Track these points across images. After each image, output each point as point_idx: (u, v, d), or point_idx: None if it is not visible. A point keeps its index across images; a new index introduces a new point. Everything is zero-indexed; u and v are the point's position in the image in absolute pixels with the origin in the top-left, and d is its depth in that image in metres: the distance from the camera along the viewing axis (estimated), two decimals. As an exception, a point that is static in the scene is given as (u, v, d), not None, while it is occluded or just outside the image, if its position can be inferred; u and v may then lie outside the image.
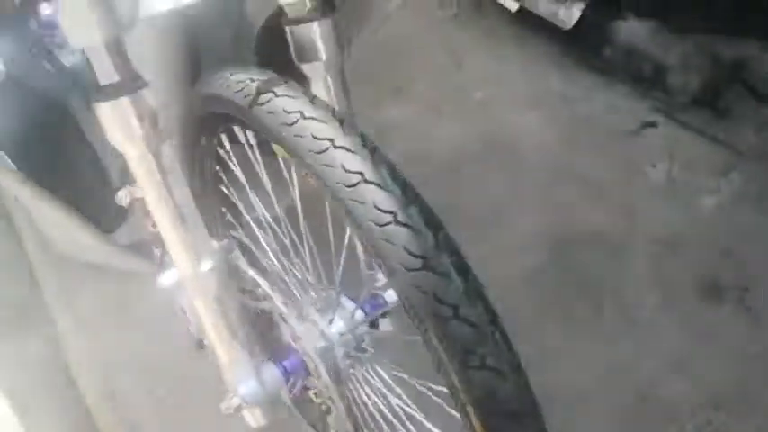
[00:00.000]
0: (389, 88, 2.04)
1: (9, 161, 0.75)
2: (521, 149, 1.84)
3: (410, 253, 0.57)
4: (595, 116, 1.95)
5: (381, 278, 0.96)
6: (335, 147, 0.61)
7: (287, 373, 0.87)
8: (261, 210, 0.87)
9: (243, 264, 0.85)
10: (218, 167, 0.92)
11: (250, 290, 0.88)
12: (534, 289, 1.50)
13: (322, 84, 0.81)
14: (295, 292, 0.90)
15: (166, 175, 0.73)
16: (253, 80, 0.68)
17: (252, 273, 0.83)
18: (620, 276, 1.53)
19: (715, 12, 2.04)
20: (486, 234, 1.62)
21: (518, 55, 2.16)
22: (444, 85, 2.06)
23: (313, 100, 0.65)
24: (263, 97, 0.66)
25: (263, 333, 0.92)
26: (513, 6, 2.29)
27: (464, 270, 0.59)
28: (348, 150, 0.61)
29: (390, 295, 0.95)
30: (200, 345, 0.94)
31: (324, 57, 0.79)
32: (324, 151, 0.61)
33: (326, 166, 0.60)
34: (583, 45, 2.15)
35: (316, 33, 0.77)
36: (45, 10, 0.65)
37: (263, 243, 0.91)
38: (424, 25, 2.29)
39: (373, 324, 0.95)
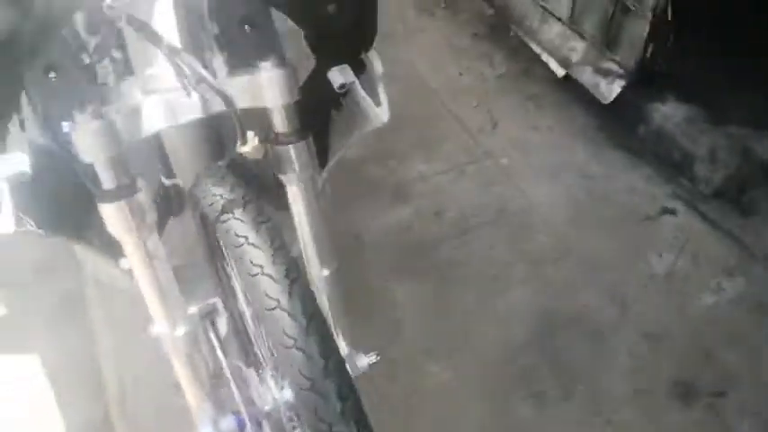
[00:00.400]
0: (421, 142, 2.16)
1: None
2: (531, 220, 1.93)
3: (302, 374, 0.71)
4: (614, 196, 2.01)
5: (341, 349, 1.09)
6: (263, 274, 0.74)
7: (241, 427, 1.02)
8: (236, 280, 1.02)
9: (214, 329, 1.00)
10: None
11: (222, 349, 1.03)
12: (511, 364, 1.59)
13: (296, 191, 0.95)
14: (260, 357, 1.05)
15: (152, 258, 0.88)
16: (222, 196, 0.83)
17: (215, 340, 0.98)
18: (597, 363, 1.60)
19: (752, 106, 2.06)
20: (480, 300, 1.73)
21: (553, 123, 2.24)
22: (474, 145, 2.16)
23: (259, 227, 0.79)
24: (224, 216, 0.80)
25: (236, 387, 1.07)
26: (560, 72, 2.37)
27: (345, 395, 0.72)
28: (273, 279, 0.74)
29: (344, 369, 1.08)
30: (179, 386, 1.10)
31: (297, 171, 0.93)
32: (255, 275, 0.75)
33: (254, 288, 0.74)
34: (617, 121, 2.21)
35: (291, 153, 0.91)
36: (65, 128, 0.81)
37: (239, 310, 1.06)
38: (469, 82, 2.40)
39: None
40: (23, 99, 0.85)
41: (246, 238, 0.78)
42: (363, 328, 1.63)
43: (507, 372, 1.58)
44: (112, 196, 0.82)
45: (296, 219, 0.98)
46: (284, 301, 0.73)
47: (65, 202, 0.95)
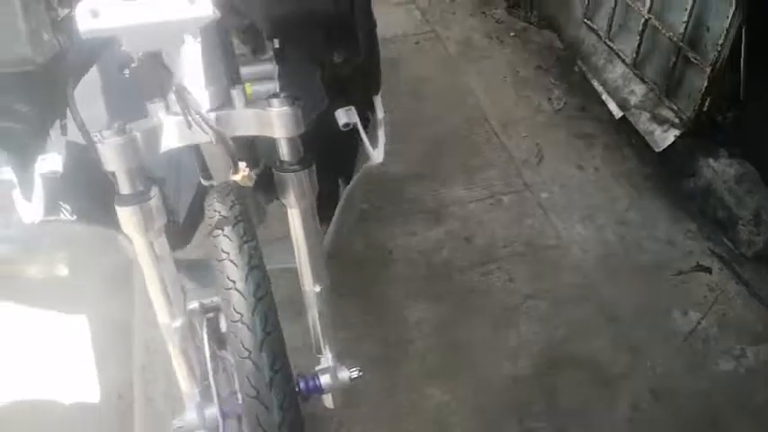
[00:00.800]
0: (465, 167, 2.21)
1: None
2: (559, 257, 1.95)
3: (250, 384, 0.80)
4: (649, 245, 1.99)
5: (323, 363, 1.18)
6: (235, 289, 0.84)
7: (223, 418, 1.12)
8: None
9: (212, 324, 1.11)
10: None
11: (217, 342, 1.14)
12: (509, 397, 1.63)
13: (295, 214, 1.05)
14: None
15: (158, 259, 1.00)
16: (219, 213, 0.93)
17: (208, 335, 1.09)
18: (596, 409, 1.62)
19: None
20: (493, 329, 1.77)
21: (600, 163, 2.24)
22: (516, 176, 2.19)
23: (242, 246, 0.89)
24: (216, 231, 0.91)
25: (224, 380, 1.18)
26: (617, 114, 2.37)
27: (286, 408, 0.81)
28: (242, 295, 0.84)
29: (326, 379, 1.17)
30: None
31: (297, 196, 1.02)
32: (228, 289, 0.85)
33: (226, 300, 0.84)
34: (666, 171, 2.18)
35: (293, 180, 1.01)
36: (95, 139, 0.94)
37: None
38: (524, 113, 2.43)
39: (305, 398, 1.17)
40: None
41: (228, 254, 0.88)
42: (373, 342, 1.73)
43: (504, 403, 1.62)
44: (128, 201, 0.95)
45: (293, 239, 1.08)
46: (247, 317, 0.83)
47: (97, 193, 1.07)
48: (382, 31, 1.19)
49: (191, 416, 1.10)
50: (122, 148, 0.90)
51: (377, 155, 1.13)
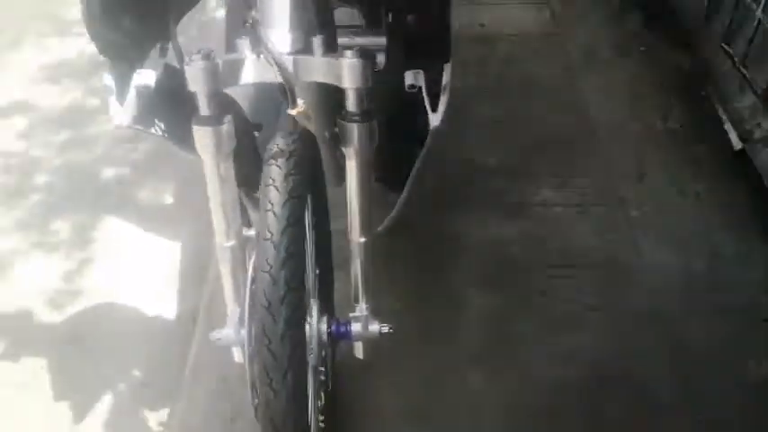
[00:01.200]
0: (559, 170, 2.18)
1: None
2: (635, 279, 1.87)
3: (265, 296, 0.88)
4: (738, 287, 1.86)
5: (357, 312, 1.24)
6: (272, 211, 0.93)
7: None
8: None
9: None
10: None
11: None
12: (547, 400, 1.60)
13: (353, 165, 1.11)
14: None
15: (223, 180, 1.11)
16: (278, 145, 1.02)
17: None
18: (634, 428, 1.55)
19: None
20: (547, 332, 1.75)
21: (704, 192, 2.12)
22: (610, 189, 2.13)
23: (288, 177, 0.96)
24: (270, 161, 1.00)
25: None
26: (737, 145, 2.23)
27: (293, 323, 0.87)
28: (276, 217, 0.92)
29: (357, 328, 1.23)
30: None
31: (356, 147, 1.09)
32: (267, 211, 0.94)
33: (263, 221, 0.93)
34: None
35: (355, 131, 1.07)
36: (185, 61, 1.05)
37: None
38: (635, 128, 2.35)
39: (335, 341, 1.24)
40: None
41: (274, 181, 0.96)
42: (419, 317, 1.75)
43: (541, 408, 1.59)
44: (203, 122, 1.05)
45: (348, 189, 1.15)
46: (275, 237, 0.91)
47: (184, 114, 1.18)
48: (504, 25, 1.21)
49: (228, 332, 1.20)
50: (205, 72, 1.01)
51: (434, 119, 1.17)
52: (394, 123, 1.09)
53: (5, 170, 2.45)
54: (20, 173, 2.44)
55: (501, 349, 1.71)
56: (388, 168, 1.46)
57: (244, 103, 1.45)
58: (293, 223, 0.92)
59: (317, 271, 1.29)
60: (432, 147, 1.29)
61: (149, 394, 1.77)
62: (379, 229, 1.58)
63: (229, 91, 1.32)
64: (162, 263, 2.11)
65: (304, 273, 0.97)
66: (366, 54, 1.02)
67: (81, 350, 1.87)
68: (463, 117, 2.32)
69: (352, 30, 1.37)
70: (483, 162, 2.21)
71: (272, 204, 0.93)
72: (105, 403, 1.75)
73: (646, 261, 1.93)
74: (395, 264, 1.87)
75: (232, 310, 1.22)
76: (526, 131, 2.32)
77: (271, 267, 0.89)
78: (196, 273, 2.05)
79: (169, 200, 2.36)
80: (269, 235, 0.91)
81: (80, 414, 1.73)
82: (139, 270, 2.09)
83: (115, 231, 2.23)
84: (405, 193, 1.48)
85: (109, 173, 2.44)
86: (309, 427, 1.09)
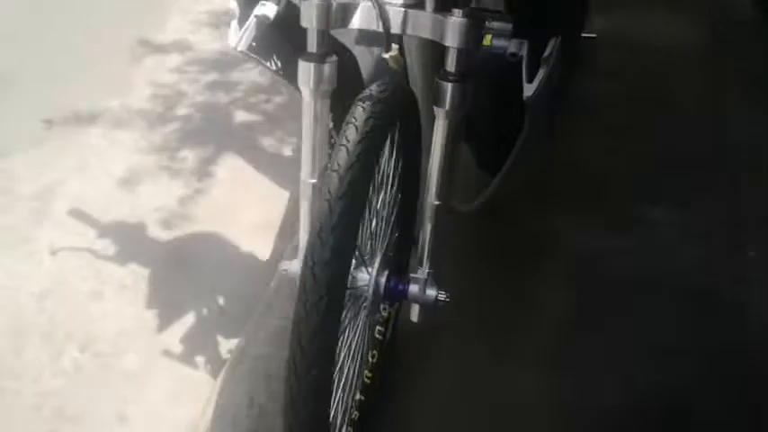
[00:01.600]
0: (679, 194, 2.05)
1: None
2: (735, 323, 1.72)
3: (312, 256, 0.94)
4: None
5: (420, 274, 1.25)
6: (336, 171, 0.96)
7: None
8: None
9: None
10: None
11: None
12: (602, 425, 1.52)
13: (441, 124, 1.12)
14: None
15: (317, 117, 1.15)
16: (371, 89, 1.05)
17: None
18: None
19: None
20: (622, 354, 1.65)
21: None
22: (737, 225, 1.96)
23: (368, 120, 0.99)
24: (358, 102, 1.03)
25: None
26: None
27: (332, 285, 0.92)
28: (339, 176, 0.96)
29: (414, 290, 1.24)
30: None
31: (448, 107, 1.10)
32: (340, 146, 0.97)
33: (328, 178, 0.98)
34: None
35: (449, 90, 1.08)
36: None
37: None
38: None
39: (391, 298, 1.25)
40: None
41: (355, 120, 0.99)
42: (482, 309, 1.70)
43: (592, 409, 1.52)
44: (309, 58, 1.10)
45: (432, 149, 1.16)
46: (333, 198, 0.93)
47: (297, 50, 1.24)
48: (651, 35, 1.15)
49: (297, 266, 1.25)
50: (317, 9, 1.06)
51: (528, 89, 1.15)
52: (492, 89, 1.08)
53: (154, 98, 2.69)
54: (165, 103, 2.67)
55: (564, 358, 1.63)
56: (486, 150, 1.45)
57: (368, 59, 1.48)
58: (363, 161, 0.95)
59: (394, 229, 1.31)
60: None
61: (225, 322, 1.88)
62: (476, 203, 1.57)
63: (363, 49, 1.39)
64: (268, 207, 2.23)
65: (362, 213, 0.99)
66: (474, 14, 1.02)
67: (178, 269, 2.03)
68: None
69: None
70: (597, 166, 2.12)
71: (348, 141, 0.96)
72: (186, 322, 1.88)
73: (750, 300, 1.76)
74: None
75: (302, 245, 1.26)
76: (651, 144, 2.20)
77: (330, 196, 0.92)
78: (296, 222, 2.15)
79: (288, 152, 2.48)
80: (336, 167, 0.94)
81: (163, 325, 1.87)
82: (246, 208, 2.22)
83: (233, 169, 2.38)
84: (500, 175, 1.47)
85: (241, 116, 2.61)
86: (341, 364, 1.12)
